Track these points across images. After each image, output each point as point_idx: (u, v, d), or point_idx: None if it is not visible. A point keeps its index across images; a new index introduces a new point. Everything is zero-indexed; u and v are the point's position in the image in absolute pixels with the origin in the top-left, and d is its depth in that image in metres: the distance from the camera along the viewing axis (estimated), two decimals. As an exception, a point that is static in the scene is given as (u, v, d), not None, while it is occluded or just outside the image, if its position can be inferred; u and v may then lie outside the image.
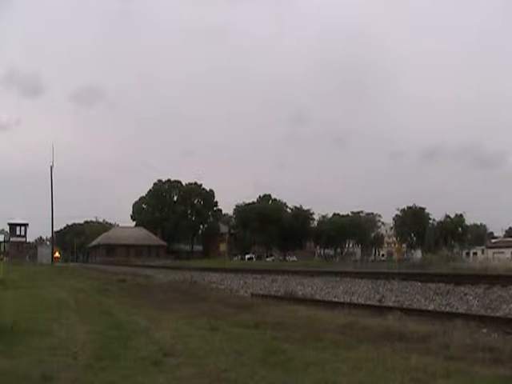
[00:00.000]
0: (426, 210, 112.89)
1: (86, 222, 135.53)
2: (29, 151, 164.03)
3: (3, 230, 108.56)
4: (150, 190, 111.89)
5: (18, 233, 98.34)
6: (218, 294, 15.86)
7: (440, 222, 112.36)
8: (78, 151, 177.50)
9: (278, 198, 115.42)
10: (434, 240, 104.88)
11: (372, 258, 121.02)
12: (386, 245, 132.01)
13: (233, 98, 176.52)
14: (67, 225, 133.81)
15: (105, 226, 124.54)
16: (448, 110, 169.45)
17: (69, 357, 5.96)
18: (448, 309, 11.60)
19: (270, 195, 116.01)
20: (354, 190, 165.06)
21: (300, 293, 16.57)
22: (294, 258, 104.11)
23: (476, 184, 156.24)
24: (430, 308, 11.93)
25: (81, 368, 5.42)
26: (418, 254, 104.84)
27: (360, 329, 7.87)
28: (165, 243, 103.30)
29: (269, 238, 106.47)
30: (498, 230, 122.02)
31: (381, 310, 11.07)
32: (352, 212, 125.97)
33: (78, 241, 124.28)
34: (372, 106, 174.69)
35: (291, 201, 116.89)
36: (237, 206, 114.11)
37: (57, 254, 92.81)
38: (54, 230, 70.22)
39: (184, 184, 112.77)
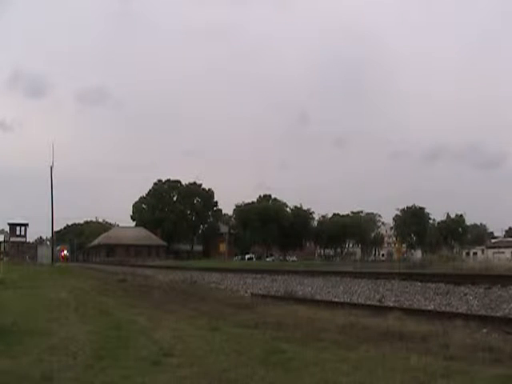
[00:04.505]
0: (426, 210, 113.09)
1: (86, 222, 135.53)
2: (29, 151, 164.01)
3: (3, 230, 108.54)
4: (150, 190, 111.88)
5: (18, 233, 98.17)
6: (217, 294, 15.84)
7: (440, 222, 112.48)
8: (78, 151, 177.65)
9: (278, 198, 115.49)
10: (434, 240, 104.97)
11: (372, 257, 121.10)
12: (386, 245, 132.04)
13: (233, 97, 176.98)
14: (67, 225, 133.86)
15: (105, 226, 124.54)
16: (448, 110, 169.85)
17: (69, 357, 5.96)
18: (448, 309, 11.58)
19: (270, 195, 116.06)
20: (354, 190, 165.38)
21: (300, 293, 16.55)
22: (294, 258, 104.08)
23: (476, 184, 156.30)
24: (430, 308, 11.92)
25: (81, 368, 5.42)
26: (418, 254, 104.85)
27: (360, 329, 7.86)
28: (165, 243, 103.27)
29: (269, 238, 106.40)
30: (498, 230, 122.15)
31: (381, 310, 11.06)
32: (352, 212, 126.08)
33: (78, 241, 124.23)
34: (372, 106, 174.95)
35: (291, 201, 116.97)
36: (237, 205, 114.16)
37: (65, 253, 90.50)
38: (54, 229, 70.16)
39: (184, 184, 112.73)
